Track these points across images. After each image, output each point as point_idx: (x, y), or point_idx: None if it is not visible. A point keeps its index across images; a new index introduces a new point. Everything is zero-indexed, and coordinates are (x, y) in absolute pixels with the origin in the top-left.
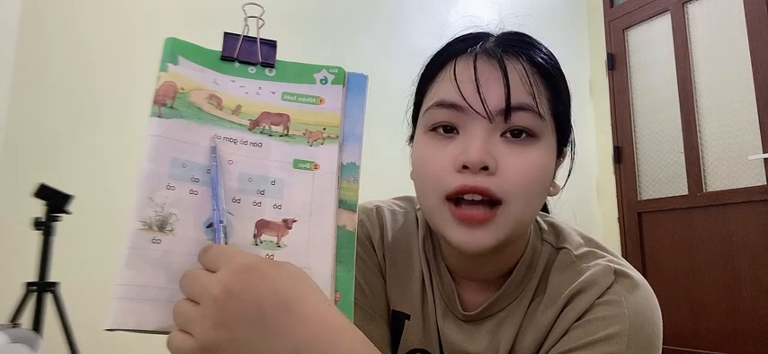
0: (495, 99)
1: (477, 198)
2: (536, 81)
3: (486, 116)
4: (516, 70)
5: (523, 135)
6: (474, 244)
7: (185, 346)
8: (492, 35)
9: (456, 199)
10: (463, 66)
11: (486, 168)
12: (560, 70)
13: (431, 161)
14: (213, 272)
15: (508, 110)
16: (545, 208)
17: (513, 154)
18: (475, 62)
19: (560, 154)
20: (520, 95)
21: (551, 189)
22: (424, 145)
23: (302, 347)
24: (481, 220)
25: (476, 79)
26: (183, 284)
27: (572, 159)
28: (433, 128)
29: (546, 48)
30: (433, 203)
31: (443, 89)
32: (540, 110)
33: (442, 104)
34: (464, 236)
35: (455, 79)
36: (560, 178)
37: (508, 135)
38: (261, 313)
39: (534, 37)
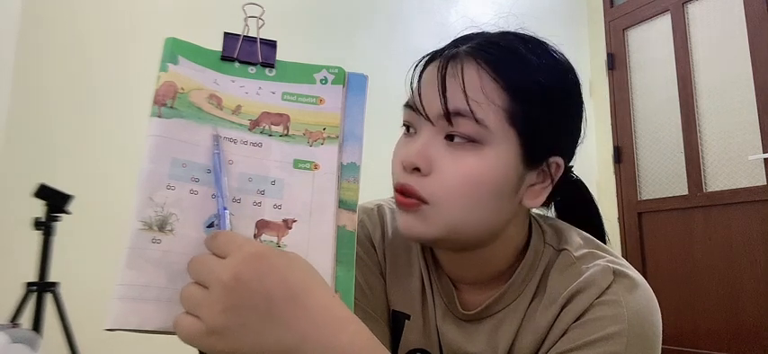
0: (435, 104)
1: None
2: (489, 88)
3: (427, 119)
4: (467, 76)
5: (465, 140)
6: (406, 228)
7: (193, 329)
8: (485, 35)
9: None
10: (427, 70)
11: (418, 169)
12: (540, 79)
13: (394, 156)
14: (222, 258)
15: (447, 115)
16: (602, 237)
17: (449, 159)
18: (426, 67)
19: (541, 166)
20: (457, 101)
21: (527, 201)
22: (398, 140)
23: (307, 337)
24: (409, 205)
25: (422, 83)
26: (191, 268)
27: (551, 174)
28: (405, 126)
29: (534, 56)
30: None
31: (412, 91)
32: (478, 116)
33: (406, 105)
34: (401, 220)
35: (417, 82)
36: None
37: (451, 138)
38: (269, 302)
39: (531, 40)
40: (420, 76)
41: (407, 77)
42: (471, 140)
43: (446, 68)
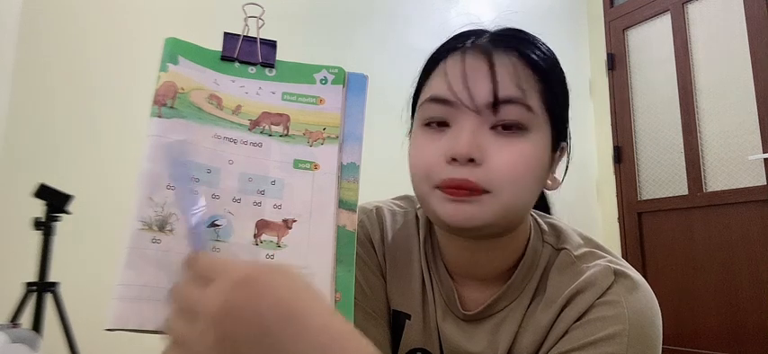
0: (483, 92)
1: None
2: (526, 74)
3: (473, 109)
4: (505, 64)
5: (513, 127)
6: (460, 217)
7: None
8: (488, 31)
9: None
10: (454, 62)
11: (472, 160)
12: (556, 65)
13: (423, 153)
14: (206, 284)
15: (496, 103)
16: (547, 209)
17: (500, 146)
18: (464, 56)
19: (557, 149)
20: (507, 89)
21: (549, 182)
22: (419, 138)
23: None
24: (467, 194)
25: (464, 74)
26: (174, 298)
27: (568, 154)
28: (428, 123)
29: (542, 44)
30: (424, 191)
31: (436, 85)
32: (528, 102)
33: (433, 99)
34: (451, 209)
35: (446, 75)
36: (560, 172)
37: (498, 127)
38: (265, 328)
39: (531, 32)
40: (425, 73)
41: (414, 75)
42: (519, 127)
43: (491, 57)
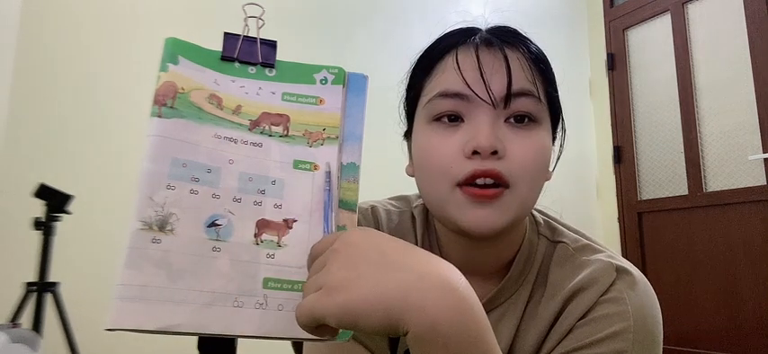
0: (499, 86)
1: (489, 181)
2: (533, 68)
3: (490, 103)
4: (516, 58)
5: (526, 120)
6: (486, 224)
7: (311, 299)
8: (481, 29)
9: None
10: (464, 56)
11: (495, 152)
12: (546, 58)
13: (438, 150)
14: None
15: (510, 96)
16: None
17: (517, 139)
18: (477, 51)
19: (553, 141)
20: (521, 82)
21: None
22: (429, 135)
23: (425, 274)
24: (493, 196)
25: (479, 67)
26: (313, 267)
27: (561, 145)
28: (437, 118)
29: (531, 38)
30: (443, 191)
31: (445, 79)
32: (539, 95)
33: (445, 94)
34: (476, 216)
35: (458, 68)
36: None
37: (512, 120)
38: (382, 252)
39: (525, 31)
40: (426, 70)
41: (406, 74)
42: (532, 119)
43: (505, 51)
